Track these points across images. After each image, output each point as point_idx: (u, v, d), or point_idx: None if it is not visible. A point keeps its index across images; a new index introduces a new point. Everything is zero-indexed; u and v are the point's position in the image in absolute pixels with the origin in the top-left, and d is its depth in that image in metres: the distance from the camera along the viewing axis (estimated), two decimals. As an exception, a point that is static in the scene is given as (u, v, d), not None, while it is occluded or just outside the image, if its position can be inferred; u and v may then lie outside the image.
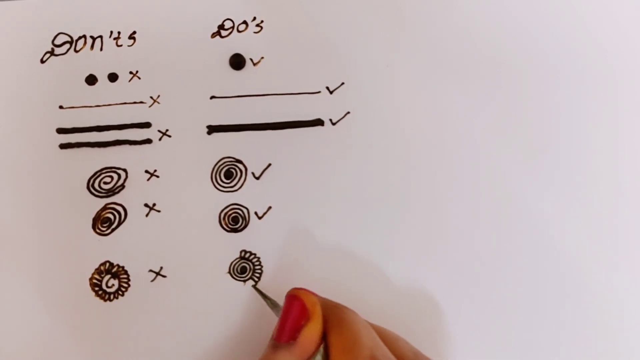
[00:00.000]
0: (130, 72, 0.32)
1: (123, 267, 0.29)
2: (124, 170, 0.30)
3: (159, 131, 0.31)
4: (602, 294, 0.30)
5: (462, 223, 0.30)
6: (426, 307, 0.29)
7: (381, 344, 0.24)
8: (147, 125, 0.31)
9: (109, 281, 0.29)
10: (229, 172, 0.31)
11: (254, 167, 0.31)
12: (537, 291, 0.30)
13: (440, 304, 0.29)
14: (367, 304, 0.28)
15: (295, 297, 0.25)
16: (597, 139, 0.32)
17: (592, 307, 0.30)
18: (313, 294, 0.26)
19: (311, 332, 0.23)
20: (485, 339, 0.29)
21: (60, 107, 0.31)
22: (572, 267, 0.30)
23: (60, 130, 0.31)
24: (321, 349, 0.24)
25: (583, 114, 0.32)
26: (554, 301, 0.29)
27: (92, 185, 0.30)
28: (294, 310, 0.24)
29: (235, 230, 0.30)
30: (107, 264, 0.29)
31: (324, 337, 0.24)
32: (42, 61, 0.32)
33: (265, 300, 0.28)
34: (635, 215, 0.31)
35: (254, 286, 0.29)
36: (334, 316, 0.24)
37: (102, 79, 0.31)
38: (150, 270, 0.29)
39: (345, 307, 0.25)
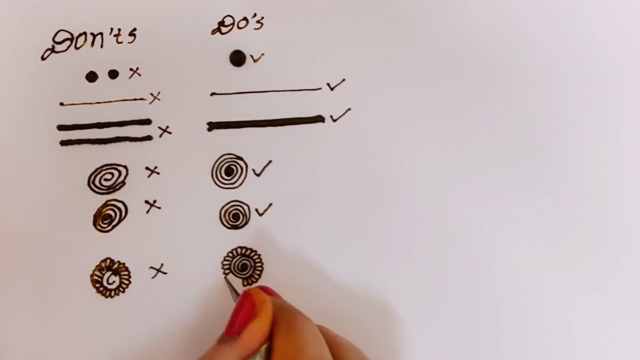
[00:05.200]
0: (131, 69, 0.32)
1: (124, 263, 0.29)
2: (125, 167, 0.30)
3: (160, 128, 0.31)
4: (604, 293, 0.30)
5: (463, 219, 0.30)
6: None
7: (328, 355, 0.24)
8: (147, 122, 0.31)
9: (110, 278, 0.29)
10: (229, 169, 0.31)
11: (255, 163, 0.31)
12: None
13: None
14: (358, 301, 0.29)
15: (247, 294, 0.25)
16: (598, 139, 0.31)
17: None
18: (271, 294, 0.26)
19: (254, 330, 0.24)
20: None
21: (61, 104, 0.31)
22: (566, 268, 0.30)
23: (61, 127, 0.31)
24: (263, 349, 0.23)
25: (584, 115, 0.32)
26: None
27: (93, 182, 0.30)
28: (245, 307, 0.24)
29: (236, 227, 0.30)
30: (108, 261, 0.29)
31: (271, 340, 0.24)
32: (43, 58, 0.32)
33: (232, 293, 0.28)
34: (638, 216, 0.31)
35: (225, 278, 0.29)
36: (284, 320, 0.24)
37: (103, 75, 0.31)
38: (151, 267, 0.29)
39: (298, 313, 0.25)
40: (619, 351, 0.29)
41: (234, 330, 0.24)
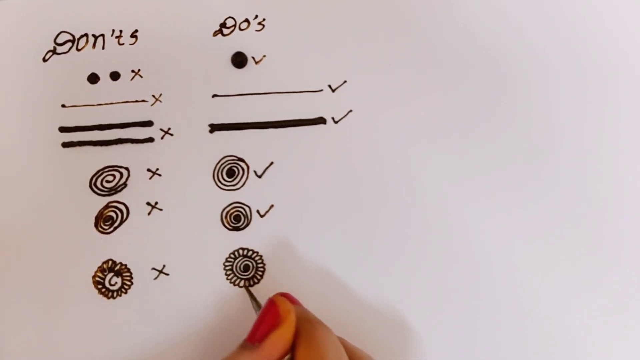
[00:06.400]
0: (132, 71, 0.32)
1: (126, 265, 0.29)
2: (126, 168, 0.31)
3: (161, 130, 0.31)
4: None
5: (464, 219, 0.30)
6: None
7: None
8: (149, 123, 0.31)
9: (112, 279, 0.29)
10: (231, 171, 0.31)
11: (256, 165, 0.31)
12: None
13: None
14: (360, 301, 0.29)
15: (272, 302, 0.25)
16: (598, 139, 0.32)
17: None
18: (293, 302, 0.26)
19: (276, 338, 0.24)
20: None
21: (63, 105, 0.31)
22: (566, 268, 0.30)
23: (63, 129, 0.31)
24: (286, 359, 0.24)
25: (584, 114, 0.32)
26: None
27: (95, 184, 0.30)
28: (269, 315, 0.24)
29: (237, 229, 0.30)
30: (110, 262, 0.29)
31: (293, 352, 0.24)
32: (45, 60, 0.32)
33: (252, 302, 0.28)
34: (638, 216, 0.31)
35: (246, 287, 0.29)
36: (305, 331, 0.24)
37: (104, 77, 0.31)
38: (153, 269, 0.29)
39: (320, 324, 0.25)
40: (619, 351, 0.29)
41: (256, 337, 0.24)
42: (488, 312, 0.30)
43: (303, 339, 0.24)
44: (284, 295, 0.27)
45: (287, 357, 0.24)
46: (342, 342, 0.25)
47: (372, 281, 0.30)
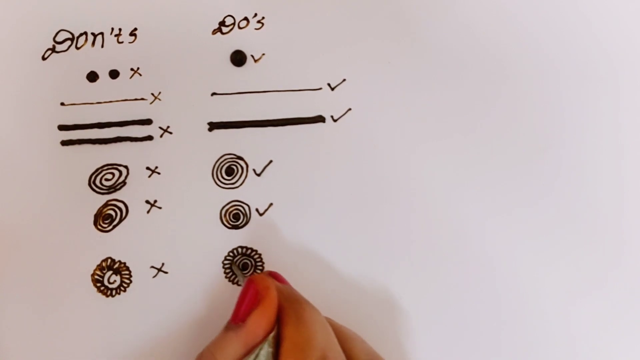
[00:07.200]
0: (132, 69, 0.32)
1: (125, 263, 0.29)
2: (125, 167, 0.31)
3: (160, 128, 0.31)
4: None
5: (464, 219, 0.30)
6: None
7: (336, 345, 0.24)
8: (148, 122, 0.31)
9: (111, 277, 0.29)
10: (230, 169, 0.31)
11: (255, 163, 0.31)
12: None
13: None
14: (360, 300, 0.29)
15: (250, 281, 0.25)
16: (599, 138, 0.32)
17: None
18: (281, 281, 0.26)
19: (259, 316, 0.24)
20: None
21: (62, 103, 0.31)
22: (567, 267, 0.30)
23: (62, 127, 0.31)
24: (270, 337, 0.23)
25: (585, 114, 0.32)
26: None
27: (94, 182, 0.30)
28: (249, 294, 0.24)
29: (237, 227, 0.30)
30: (109, 260, 0.29)
31: (278, 328, 0.24)
32: (44, 58, 0.32)
33: (240, 278, 0.27)
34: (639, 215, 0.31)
35: (233, 263, 0.29)
36: (293, 310, 0.24)
37: (103, 75, 0.32)
38: (152, 267, 0.29)
39: (307, 304, 0.25)
40: (619, 350, 0.29)
41: (239, 317, 0.24)
42: (488, 310, 0.29)
43: (291, 317, 0.24)
44: (272, 274, 0.27)
45: (272, 334, 0.23)
46: (328, 320, 0.25)
47: (372, 278, 0.30)
